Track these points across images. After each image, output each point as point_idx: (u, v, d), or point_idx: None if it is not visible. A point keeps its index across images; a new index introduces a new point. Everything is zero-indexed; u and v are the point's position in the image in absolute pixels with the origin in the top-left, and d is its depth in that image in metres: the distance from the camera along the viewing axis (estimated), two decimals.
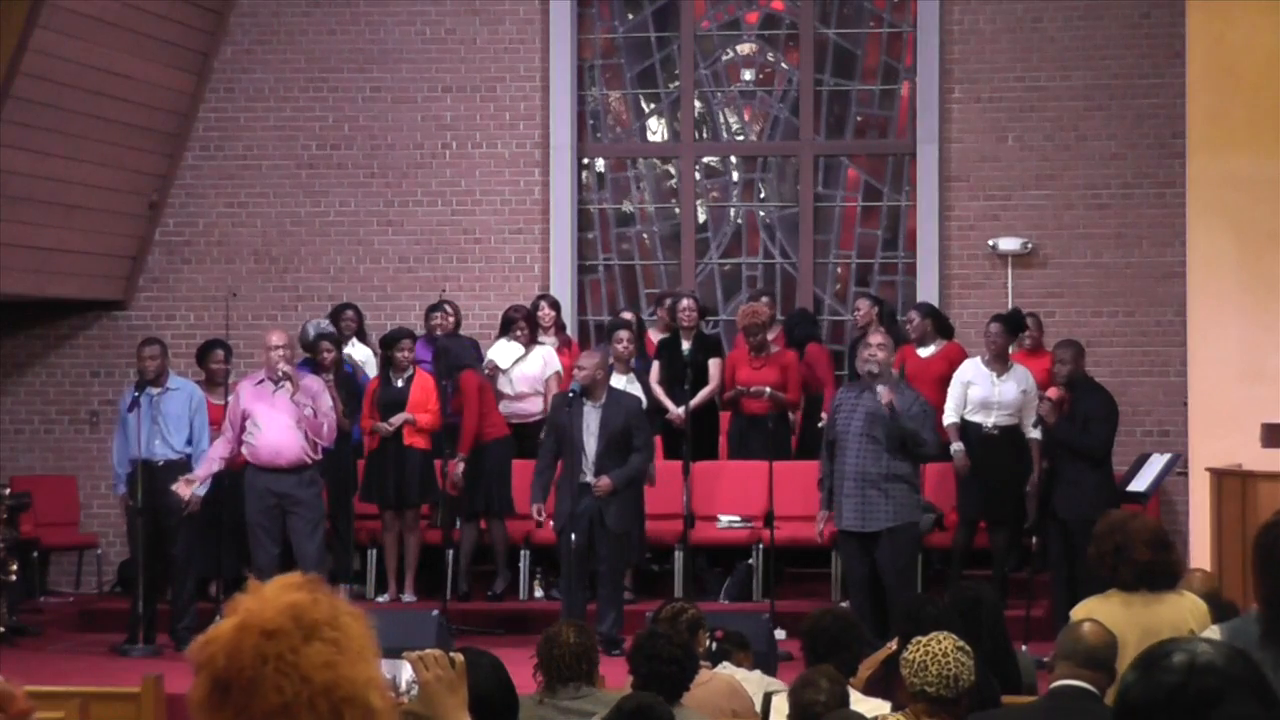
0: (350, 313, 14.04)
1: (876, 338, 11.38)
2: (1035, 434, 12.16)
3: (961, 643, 6.00)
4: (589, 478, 11.34)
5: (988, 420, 12.32)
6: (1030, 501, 12.26)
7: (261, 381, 11.78)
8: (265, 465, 11.67)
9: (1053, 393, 11.74)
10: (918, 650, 5.90)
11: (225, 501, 12.68)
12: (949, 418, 12.39)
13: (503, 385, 13.37)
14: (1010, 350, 13.04)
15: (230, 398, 12.04)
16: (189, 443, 12.01)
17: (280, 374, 11.65)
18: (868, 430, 10.94)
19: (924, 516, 11.60)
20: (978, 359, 12.60)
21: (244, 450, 11.72)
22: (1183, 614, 6.42)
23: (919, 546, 11.48)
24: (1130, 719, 2.78)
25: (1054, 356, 12.08)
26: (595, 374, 11.51)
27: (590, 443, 11.37)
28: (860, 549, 10.98)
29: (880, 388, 11.01)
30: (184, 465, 11.94)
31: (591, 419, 11.41)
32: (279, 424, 11.63)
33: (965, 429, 12.37)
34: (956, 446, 12.39)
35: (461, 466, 12.74)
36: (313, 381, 11.96)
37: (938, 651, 5.86)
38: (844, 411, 11.09)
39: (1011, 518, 12.32)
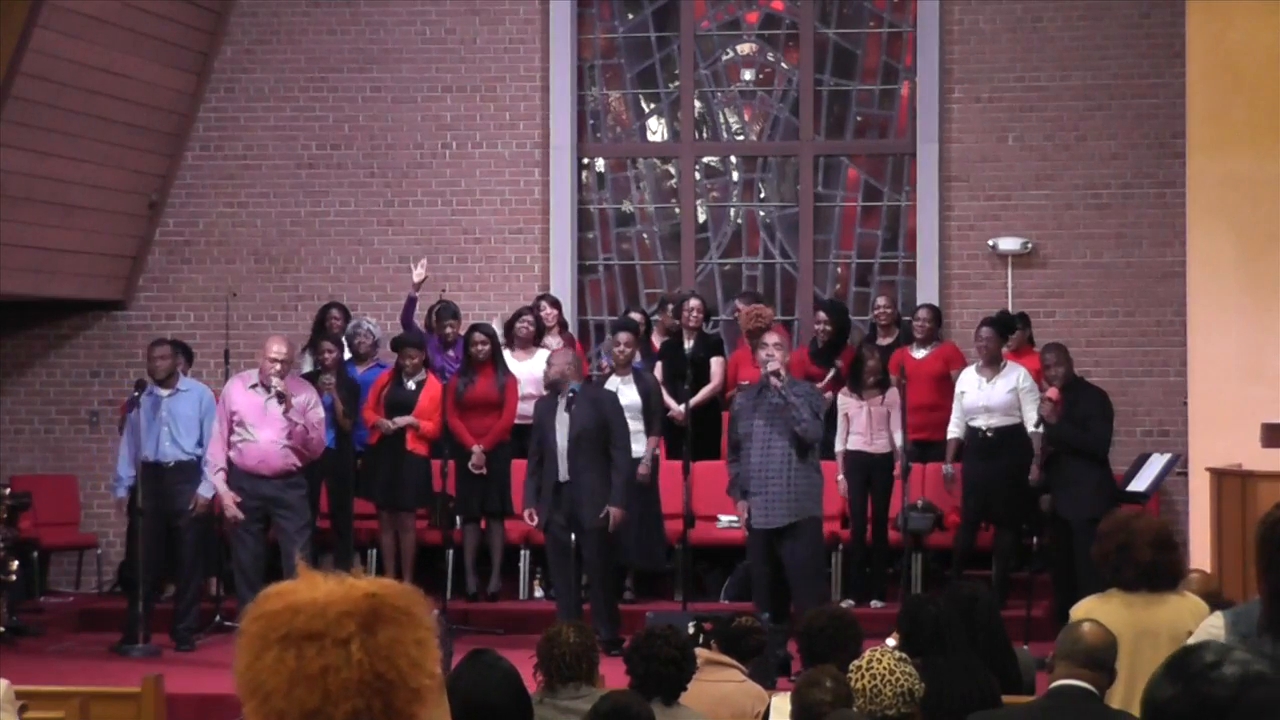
0: (336, 311, 13.95)
1: (773, 338, 11.43)
2: (1034, 429, 12.22)
3: (899, 654, 5.89)
4: (564, 477, 11.38)
5: (984, 424, 12.37)
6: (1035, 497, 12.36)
7: (255, 386, 11.65)
8: (250, 471, 11.61)
9: (1052, 393, 11.77)
10: (863, 677, 5.75)
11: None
12: (951, 432, 12.63)
13: None
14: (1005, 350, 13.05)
15: (222, 395, 11.89)
16: (199, 444, 12.02)
17: (273, 391, 11.54)
18: (768, 429, 10.99)
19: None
20: (973, 366, 12.65)
21: (231, 452, 11.65)
22: (1182, 615, 6.38)
23: (823, 540, 11.41)
24: None
25: (1043, 361, 12.12)
26: (564, 371, 11.51)
27: (562, 442, 11.40)
28: (765, 547, 11.01)
29: (772, 379, 11.00)
30: (194, 466, 11.96)
31: (563, 418, 11.43)
32: (268, 434, 11.57)
33: (968, 434, 12.45)
34: (947, 469, 12.74)
35: (483, 455, 12.78)
36: (306, 393, 11.78)
37: (883, 671, 5.72)
38: (744, 415, 11.12)
39: (1012, 519, 12.33)
